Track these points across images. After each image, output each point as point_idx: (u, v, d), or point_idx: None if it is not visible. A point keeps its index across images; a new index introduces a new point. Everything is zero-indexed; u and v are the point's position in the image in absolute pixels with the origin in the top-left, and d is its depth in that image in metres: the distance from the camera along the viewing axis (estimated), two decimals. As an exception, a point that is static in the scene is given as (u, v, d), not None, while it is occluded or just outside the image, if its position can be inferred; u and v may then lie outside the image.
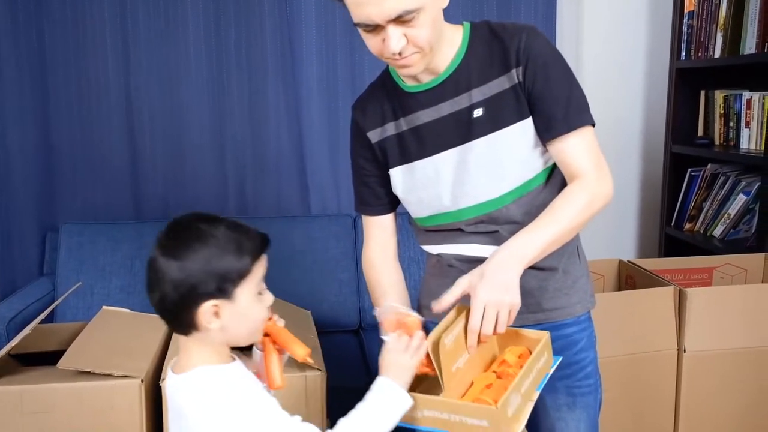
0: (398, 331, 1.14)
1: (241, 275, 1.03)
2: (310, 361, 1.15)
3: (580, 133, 1.22)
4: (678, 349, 1.95)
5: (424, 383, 1.16)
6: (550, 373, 1.17)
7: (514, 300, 1.11)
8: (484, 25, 1.28)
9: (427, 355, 1.11)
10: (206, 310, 1.01)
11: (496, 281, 1.11)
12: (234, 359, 1.11)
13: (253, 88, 2.74)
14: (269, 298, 1.09)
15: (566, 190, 1.22)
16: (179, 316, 1.03)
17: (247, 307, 1.05)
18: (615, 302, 1.92)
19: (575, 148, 1.22)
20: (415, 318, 1.18)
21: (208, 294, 1.01)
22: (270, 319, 1.13)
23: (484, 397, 1.08)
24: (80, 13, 2.63)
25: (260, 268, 1.06)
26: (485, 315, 1.09)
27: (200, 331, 1.03)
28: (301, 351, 1.13)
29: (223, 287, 1.02)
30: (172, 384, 1.09)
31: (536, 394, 1.12)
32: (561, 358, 1.22)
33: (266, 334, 1.13)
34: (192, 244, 1.01)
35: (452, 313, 1.16)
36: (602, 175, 1.22)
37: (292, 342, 1.14)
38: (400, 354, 1.12)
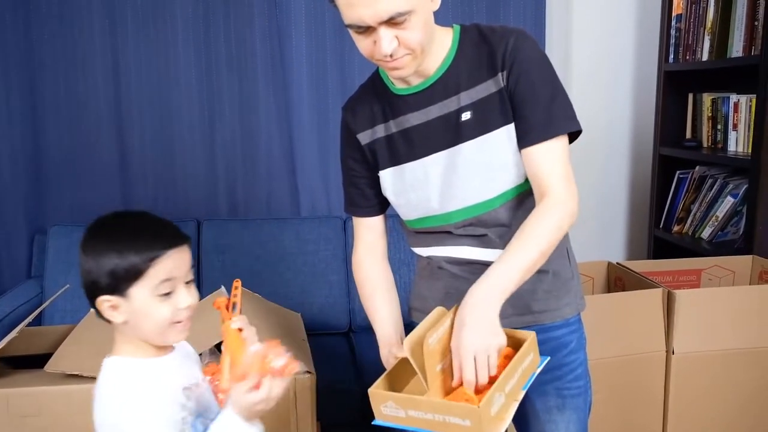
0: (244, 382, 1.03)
1: (132, 275, 1.04)
2: (225, 385, 1.06)
3: (554, 143, 1.20)
4: (666, 351, 1.96)
5: (411, 383, 1.16)
6: (537, 372, 1.17)
7: (501, 340, 1.10)
8: (473, 28, 1.28)
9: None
10: (100, 305, 1.06)
11: (479, 325, 1.09)
12: (163, 354, 1.10)
13: (243, 89, 2.74)
14: (183, 300, 1.07)
15: (537, 211, 1.19)
16: (93, 306, 1.08)
17: (145, 307, 1.05)
18: (604, 304, 1.93)
19: (545, 161, 1.20)
20: (285, 365, 1.04)
21: (100, 289, 1.05)
22: (230, 319, 1.11)
23: (469, 393, 1.08)
24: (68, 14, 2.62)
25: (161, 268, 1.05)
26: (477, 363, 1.07)
27: (112, 323, 1.07)
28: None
29: (115, 285, 1.04)
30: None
31: (522, 394, 1.12)
32: (549, 358, 1.22)
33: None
34: (92, 240, 1.06)
35: (435, 314, 1.16)
36: (570, 192, 1.20)
37: (235, 349, 1.07)
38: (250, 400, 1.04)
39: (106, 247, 1.04)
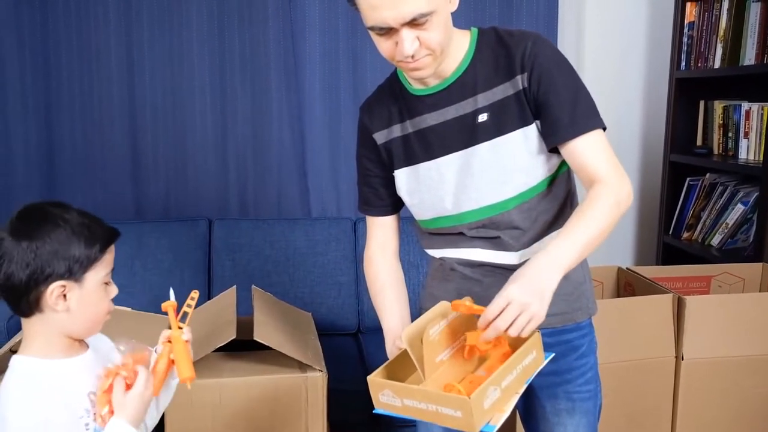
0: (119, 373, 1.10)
1: (92, 260, 1.08)
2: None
3: (590, 136, 1.21)
4: (676, 357, 1.96)
5: (413, 375, 1.17)
6: (542, 366, 1.17)
7: (541, 311, 1.07)
8: (491, 32, 1.29)
9: None
10: (53, 291, 1.05)
11: (532, 284, 1.08)
12: (75, 354, 1.12)
13: (256, 90, 2.75)
14: (114, 290, 1.14)
15: (592, 193, 1.19)
16: (25, 297, 1.06)
17: (94, 294, 1.09)
18: (613, 309, 1.93)
19: (587, 152, 1.21)
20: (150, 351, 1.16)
21: (57, 275, 1.05)
22: (180, 328, 1.16)
23: (458, 386, 1.08)
24: (84, 14, 2.64)
25: (109, 257, 1.12)
26: (506, 311, 1.06)
27: (44, 313, 1.07)
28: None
29: (73, 269, 1.06)
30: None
31: (523, 387, 1.11)
32: (553, 354, 1.22)
33: (170, 341, 1.16)
34: (44, 226, 1.06)
35: (438, 307, 1.16)
36: (622, 177, 1.21)
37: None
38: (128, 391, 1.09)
39: (70, 233, 1.06)
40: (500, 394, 1.07)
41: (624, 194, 1.20)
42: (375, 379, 1.11)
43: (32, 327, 1.10)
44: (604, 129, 1.25)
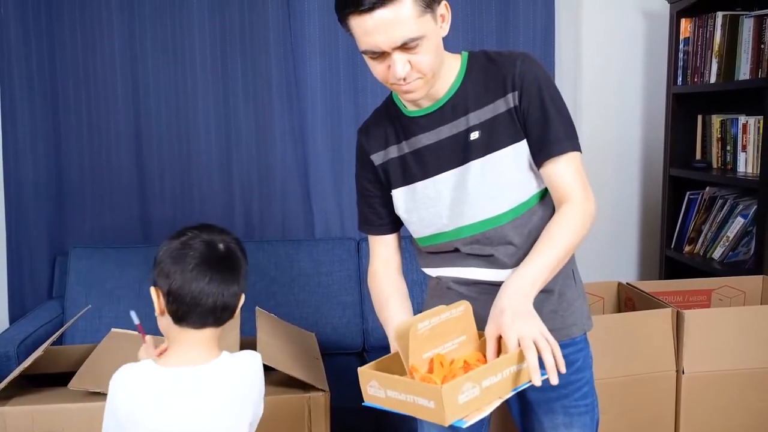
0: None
1: None
2: None
3: (569, 157, 1.28)
4: (677, 371, 1.97)
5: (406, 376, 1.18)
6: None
7: (541, 327, 1.14)
8: (480, 54, 1.35)
9: None
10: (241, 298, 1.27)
11: (524, 312, 1.15)
12: None
13: (260, 113, 2.80)
14: None
15: (560, 213, 1.27)
16: (236, 307, 1.25)
17: None
18: (613, 324, 1.94)
19: (564, 171, 1.28)
20: None
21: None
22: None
23: (434, 378, 1.09)
24: (90, 41, 2.71)
25: None
26: (538, 345, 1.11)
27: (233, 318, 1.26)
28: None
29: None
30: (218, 366, 1.23)
31: (510, 393, 1.12)
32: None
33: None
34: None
35: (434, 309, 1.17)
36: (588, 197, 1.28)
37: None
38: None
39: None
40: (479, 393, 1.07)
41: (589, 214, 1.28)
42: (364, 370, 1.14)
43: (218, 332, 1.25)
44: (580, 152, 1.30)
